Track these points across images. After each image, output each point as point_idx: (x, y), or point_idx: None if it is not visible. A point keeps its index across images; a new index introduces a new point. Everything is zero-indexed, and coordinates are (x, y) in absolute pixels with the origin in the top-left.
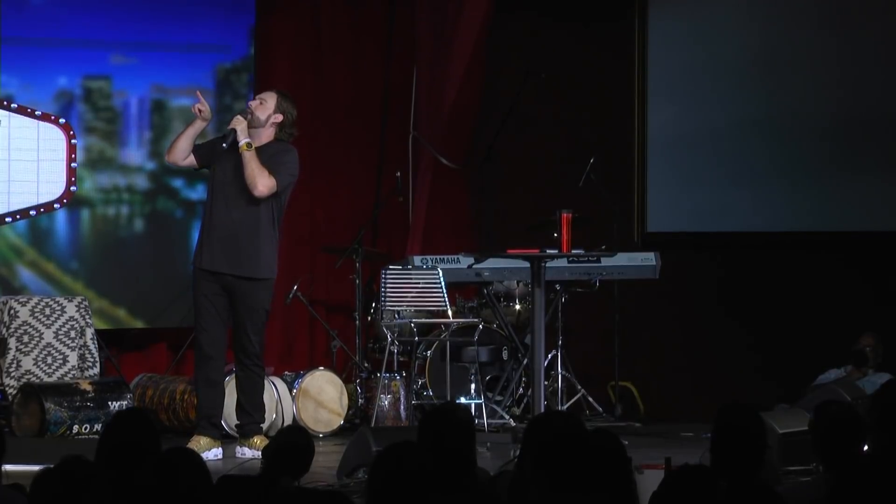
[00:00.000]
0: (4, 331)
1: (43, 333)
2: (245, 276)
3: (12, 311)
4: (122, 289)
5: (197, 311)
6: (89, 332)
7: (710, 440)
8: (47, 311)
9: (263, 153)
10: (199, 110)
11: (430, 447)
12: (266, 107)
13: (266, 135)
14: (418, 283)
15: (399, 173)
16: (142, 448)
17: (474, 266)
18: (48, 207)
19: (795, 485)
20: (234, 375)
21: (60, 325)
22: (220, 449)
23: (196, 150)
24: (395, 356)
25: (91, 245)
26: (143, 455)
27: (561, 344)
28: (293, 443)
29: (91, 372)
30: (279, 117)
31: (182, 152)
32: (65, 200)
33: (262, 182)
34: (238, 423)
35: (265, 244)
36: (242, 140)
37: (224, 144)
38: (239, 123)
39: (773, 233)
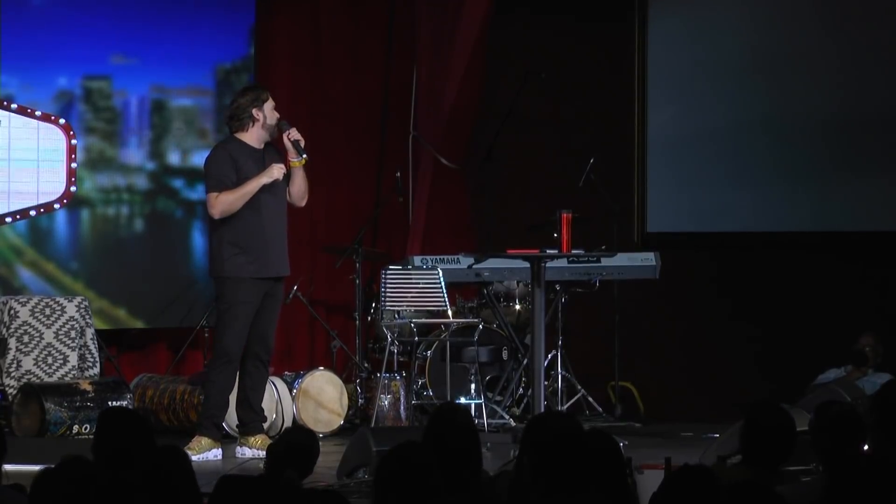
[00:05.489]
0: (4, 331)
1: (43, 333)
2: (285, 274)
3: (12, 311)
4: (122, 289)
5: (233, 317)
6: (89, 332)
7: (740, 436)
8: (47, 311)
9: (276, 155)
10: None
11: (434, 447)
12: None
13: (264, 138)
14: (418, 283)
15: (399, 173)
16: (133, 446)
17: (474, 266)
18: (48, 207)
19: (795, 485)
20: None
21: (60, 325)
22: (220, 450)
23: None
24: (395, 356)
25: (91, 245)
26: (135, 453)
27: (561, 344)
28: (301, 443)
29: (91, 372)
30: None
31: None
32: (65, 200)
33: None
34: (241, 420)
35: None
36: (298, 159)
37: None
38: (294, 155)
39: (773, 233)
